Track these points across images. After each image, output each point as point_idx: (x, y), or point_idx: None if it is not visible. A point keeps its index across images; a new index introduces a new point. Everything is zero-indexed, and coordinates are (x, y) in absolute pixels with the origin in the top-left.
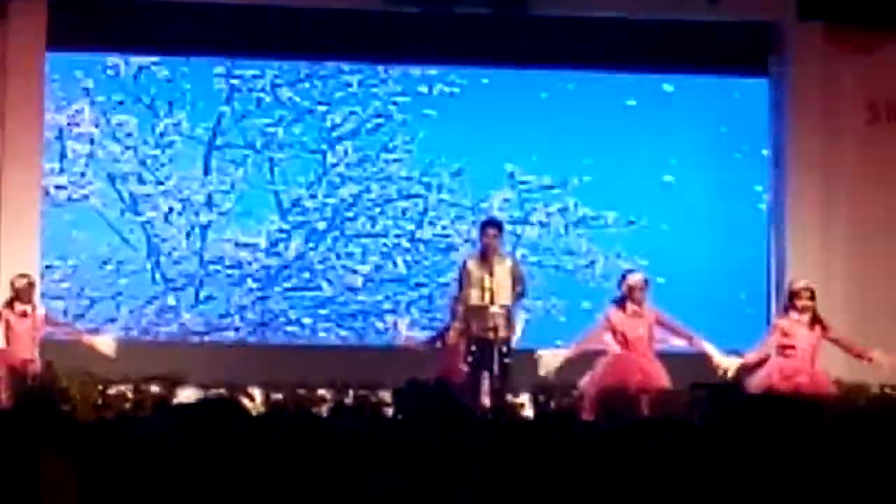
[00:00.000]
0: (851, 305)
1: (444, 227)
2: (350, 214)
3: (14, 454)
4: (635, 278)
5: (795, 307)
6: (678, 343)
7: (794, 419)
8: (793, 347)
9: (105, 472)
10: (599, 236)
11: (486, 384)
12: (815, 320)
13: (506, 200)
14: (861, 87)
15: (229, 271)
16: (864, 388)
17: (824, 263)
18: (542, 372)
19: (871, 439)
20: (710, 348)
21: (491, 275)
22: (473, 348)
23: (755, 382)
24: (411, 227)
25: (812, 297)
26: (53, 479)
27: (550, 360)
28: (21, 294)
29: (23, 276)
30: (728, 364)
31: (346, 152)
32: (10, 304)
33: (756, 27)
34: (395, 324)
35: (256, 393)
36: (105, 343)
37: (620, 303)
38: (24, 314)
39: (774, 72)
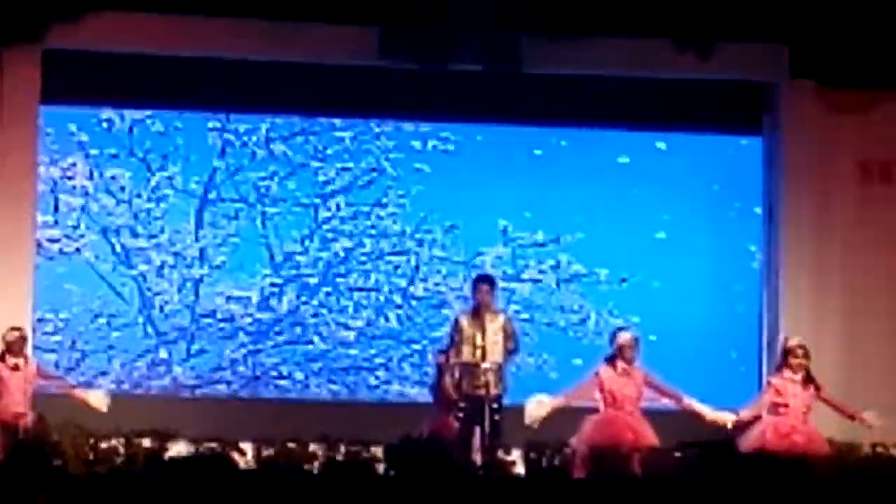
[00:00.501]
0: (844, 365)
1: (436, 283)
2: (342, 269)
3: None
4: (626, 336)
5: (789, 365)
6: (667, 402)
7: (786, 478)
8: (786, 406)
9: None
10: (592, 293)
11: (477, 441)
12: (809, 379)
13: (498, 257)
14: (853, 147)
15: (221, 325)
16: (855, 448)
17: (817, 322)
18: (527, 421)
19: (863, 499)
20: (699, 407)
21: (483, 332)
22: (464, 405)
23: (748, 440)
24: (404, 282)
25: (806, 356)
26: None
27: (535, 409)
28: (13, 347)
29: (15, 329)
30: (723, 419)
31: (338, 207)
32: (1, 357)
33: (749, 86)
34: None
35: (247, 448)
36: (97, 398)
37: (611, 360)
38: (16, 367)
39: (767, 130)
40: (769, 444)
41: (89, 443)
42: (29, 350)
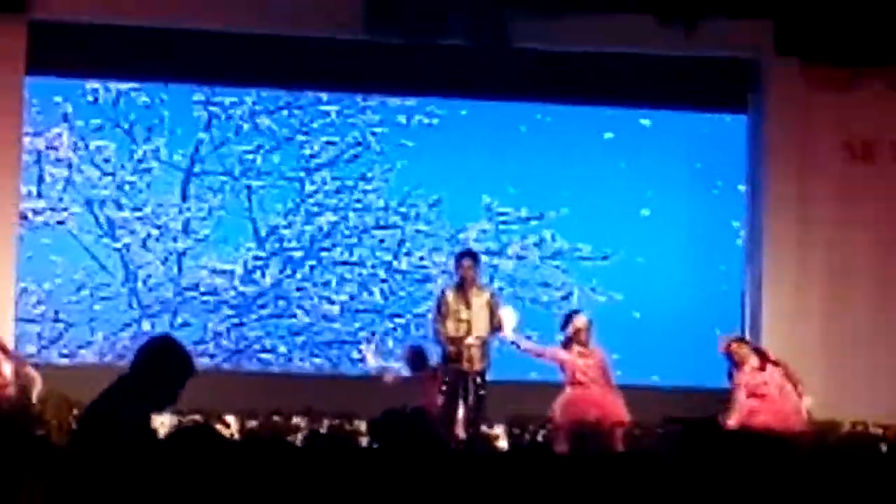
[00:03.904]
0: (827, 341)
1: (420, 258)
2: (327, 243)
3: None
4: (581, 320)
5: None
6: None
7: (768, 455)
8: (766, 384)
9: (79, 496)
10: (575, 269)
11: (460, 415)
12: (763, 357)
13: (482, 232)
14: (837, 124)
15: (205, 298)
16: (835, 425)
17: (800, 299)
18: (504, 326)
19: (842, 476)
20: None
21: (468, 307)
22: (448, 379)
23: (731, 418)
24: (388, 257)
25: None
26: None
27: (511, 317)
28: None
29: None
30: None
31: (323, 181)
32: None
33: (734, 63)
34: (364, 351)
35: (231, 420)
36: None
37: (566, 345)
38: None
39: (752, 108)
40: (747, 422)
41: (72, 413)
42: (11, 321)
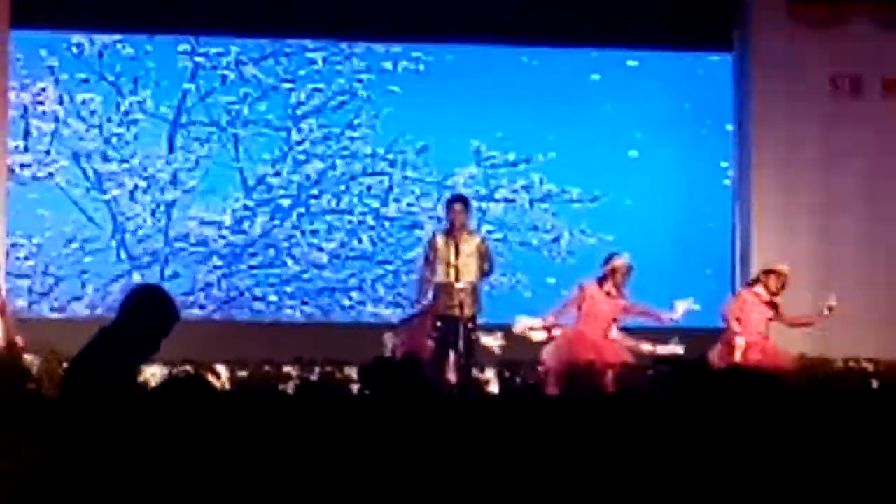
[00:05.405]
0: (816, 278)
1: (409, 204)
2: (315, 192)
3: None
4: (621, 261)
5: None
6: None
7: (759, 393)
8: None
9: (70, 449)
10: (564, 212)
11: (451, 360)
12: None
13: (471, 177)
14: (823, 61)
15: (194, 249)
16: (827, 363)
17: (788, 238)
18: (516, 330)
19: (834, 414)
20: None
21: (457, 252)
22: (439, 324)
23: (718, 357)
24: (376, 203)
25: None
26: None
27: (524, 322)
28: None
29: None
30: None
31: (310, 129)
32: None
33: (720, 1)
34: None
35: (222, 370)
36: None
37: (601, 281)
38: None
39: (738, 47)
40: (736, 360)
41: (62, 366)
42: (1, 276)
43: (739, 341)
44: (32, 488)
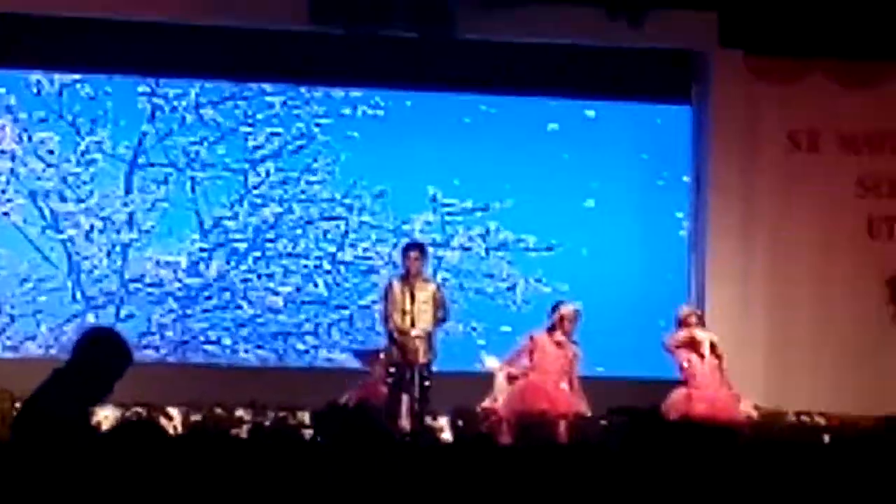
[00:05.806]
0: (769, 330)
1: (365, 250)
2: (271, 235)
3: None
4: (568, 309)
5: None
6: None
7: (712, 445)
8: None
9: (22, 490)
10: (520, 260)
11: (405, 407)
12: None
13: (427, 223)
14: (781, 116)
15: (150, 290)
16: (780, 416)
17: (743, 289)
18: (487, 366)
19: (786, 466)
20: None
21: (412, 299)
22: (393, 371)
23: (672, 408)
24: (333, 248)
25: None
26: None
27: (490, 362)
28: None
29: None
30: None
31: (268, 173)
32: None
33: (679, 55)
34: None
35: (175, 413)
36: None
37: (550, 330)
38: None
39: (696, 99)
40: (689, 412)
41: (14, 406)
42: None
43: (694, 392)
44: None
